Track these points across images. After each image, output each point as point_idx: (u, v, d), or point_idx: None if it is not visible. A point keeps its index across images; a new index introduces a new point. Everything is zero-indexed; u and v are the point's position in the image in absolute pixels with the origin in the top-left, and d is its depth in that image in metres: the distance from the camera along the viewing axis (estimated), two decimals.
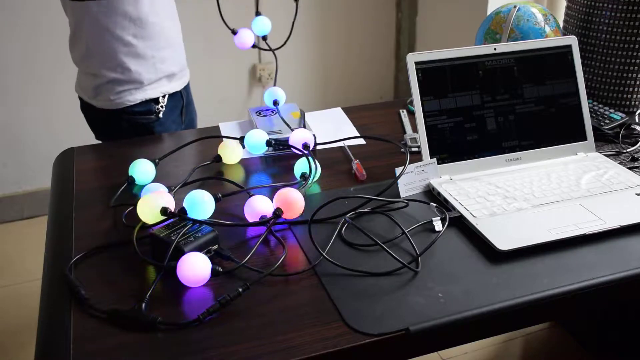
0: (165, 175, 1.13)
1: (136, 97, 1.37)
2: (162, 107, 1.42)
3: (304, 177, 1.07)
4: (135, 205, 0.94)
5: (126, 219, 0.98)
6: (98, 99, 1.39)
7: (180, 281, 0.82)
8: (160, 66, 1.39)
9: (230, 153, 1.16)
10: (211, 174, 1.13)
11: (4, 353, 1.87)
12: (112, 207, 1.03)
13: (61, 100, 2.47)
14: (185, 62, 1.49)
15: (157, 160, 1.13)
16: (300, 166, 1.09)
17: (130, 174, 1.08)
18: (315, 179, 1.09)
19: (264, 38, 1.26)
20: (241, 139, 1.20)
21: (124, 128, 1.41)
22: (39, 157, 2.52)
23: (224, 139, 1.20)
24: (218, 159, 1.16)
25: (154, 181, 1.09)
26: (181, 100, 1.50)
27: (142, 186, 1.06)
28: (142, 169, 1.09)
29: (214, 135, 1.25)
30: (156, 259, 0.87)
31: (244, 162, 1.18)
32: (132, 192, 1.08)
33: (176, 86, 1.46)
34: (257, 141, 1.18)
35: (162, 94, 1.41)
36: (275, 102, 1.33)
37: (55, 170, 1.20)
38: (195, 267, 0.82)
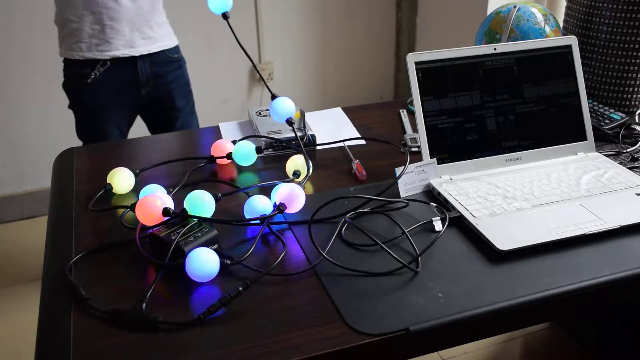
0: (164, 176, 1.13)
1: (76, 53, 1.59)
2: (95, 74, 1.60)
3: (297, 174, 1.08)
4: (130, 208, 0.94)
5: (124, 221, 0.98)
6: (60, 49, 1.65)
7: (189, 277, 0.83)
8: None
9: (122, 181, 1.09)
10: (206, 175, 1.13)
11: (4, 353, 1.87)
12: (92, 210, 1.01)
13: (61, 100, 2.46)
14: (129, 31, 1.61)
15: (137, 171, 1.10)
16: (292, 165, 1.09)
17: (108, 181, 1.06)
18: (308, 174, 1.08)
19: (224, 16, 1.19)
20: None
21: (66, 79, 1.66)
22: (39, 157, 2.52)
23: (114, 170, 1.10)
24: (212, 159, 1.16)
25: (133, 190, 1.07)
26: (135, 73, 1.64)
27: (121, 195, 1.06)
28: (121, 180, 1.06)
29: (199, 157, 1.24)
30: (156, 259, 0.87)
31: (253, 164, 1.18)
32: (109, 199, 1.06)
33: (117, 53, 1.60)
34: (245, 153, 1.14)
35: (99, 58, 1.59)
36: (289, 121, 1.15)
37: (55, 170, 1.20)
38: (204, 262, 0.82)
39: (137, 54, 1.63)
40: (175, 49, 1.75)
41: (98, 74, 1.59)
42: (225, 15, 1.18)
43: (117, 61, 1.62)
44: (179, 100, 1.77)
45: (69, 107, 1.70)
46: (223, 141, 1.16)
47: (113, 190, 1.06)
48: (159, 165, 1.15)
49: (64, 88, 1.68)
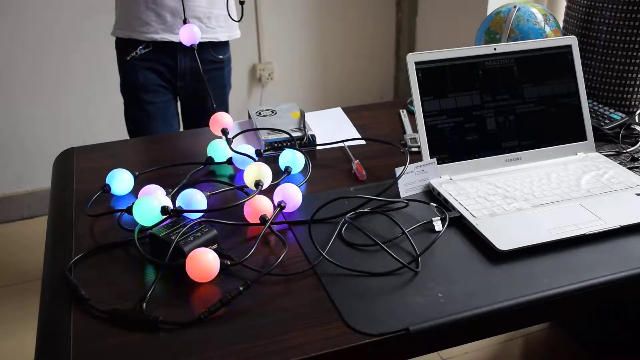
0: (163, 176, 1.13)
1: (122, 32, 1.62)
2: (136, 54, 1.62)
3: (287, 171, 1.09)
4: (126, 210, 0.95)
5: (122, 223, 0.98)
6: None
7: (190, 277, 0.83)
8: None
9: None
10: (206, 175, 1.13)
11: (5, 353, 1.87)
12: (89, 215, 1.00)
13: (61, 100, 2.47)
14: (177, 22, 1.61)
15: (136, 174, 1.09)
16: (285, 159, 1.10)
17: (107, 182, 1.05)
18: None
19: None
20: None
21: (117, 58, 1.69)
22: (39, 157, 2.52)
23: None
24: (210, 160, 1.15)
25: (132, 191, 1.07)
26: (173, 62, 1.65)
27: (120, 196, 1.05)
28: (120, 182, 1.06)
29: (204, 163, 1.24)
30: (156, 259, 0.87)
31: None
32: (108, 201, 1.05)
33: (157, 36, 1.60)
34: (244, 157, 1.13)
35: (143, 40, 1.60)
36: (287, 169, 1.12)
37: (55, 170, 1.20)
38: (204, 262, 0.82)
39: (175, 39, 1.62)
40: (223, 47, 1.73)
41: (138, 54, 1.63)
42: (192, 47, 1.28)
43: (157, 45, 1.63)
44: (210, 102, 1.68)
45: (120, 90, 1.73)
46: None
47: (112, 191, 1.05)
48: (158, 169, 1.15)
49: (119, 70, 1.72)
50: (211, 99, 1.31)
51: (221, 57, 1.73)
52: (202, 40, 1.60)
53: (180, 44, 1.59)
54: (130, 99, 1.70)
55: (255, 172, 1.01)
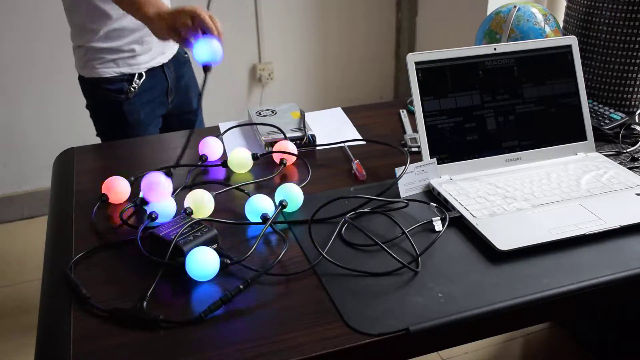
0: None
1: (110, 70, 1.45)
2: (134, 87, 1.46)
3: (283, 163, 1.12)
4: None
5: (124, 218, 0.98)
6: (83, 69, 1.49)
7: (189, 276, 0.83)
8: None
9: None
10: (206, 175, 1.13)
11: (4, 353, 1.87)
12: (92, 222, 0.99)
13: (61, 100, 2.47)
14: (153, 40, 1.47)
15: (132, 179, 1.06)
16: (191, 200, 0.98)
17: (103, 192, 1.02)
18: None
19: (205, 69, 1.10)
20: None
21: (100, 97, 1.49)
22: (39, 157, 2.52)
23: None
24: (205, 158, 1.15)
25: (129, 199, 1.04)
26: (165, 82, 1.54)
27: (116, 205, 1.02)
28: (117, 189, 1.03)
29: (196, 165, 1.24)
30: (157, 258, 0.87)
31: None
32: (106, 211, 1.02)
33: (147, 65, 1.48)
34: (240, 160, 1.13)
35: (135, 72, 1.46)
36: (206, 68, 1.10)
37: (55, 170, 1.20)
38: (204, 261, 0.82)
39: (166, 60, 1.53)
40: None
41: (137, 87, 1.47)
42: (206, 68, 1.10)
43: (151, 71, 1.51)
44: (195, 101, 1.67)
45: (98, 134, 1.55)
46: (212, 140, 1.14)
47: (109, 200, 1.03)
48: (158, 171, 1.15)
49: (94, 112, 1.53)
50: (200, 99, 1.25)
51: (186, 55, 1.63)
52: (175, 53, 1.55)
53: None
54: (123, 137, 1.45)
55: (194, 199, 0.96)
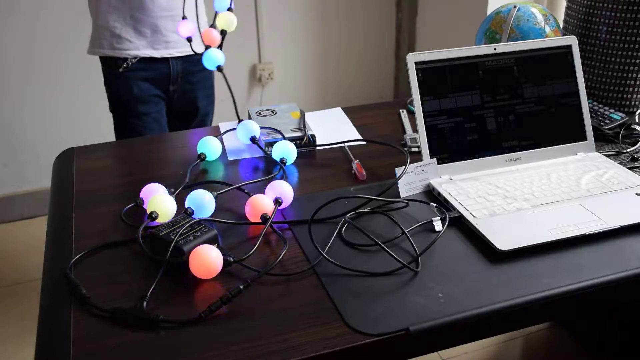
0: (163, 176, 1.13)
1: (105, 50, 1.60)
2: (127, 64, 1.59)
3: (283, 162, 1.12)
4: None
5: (125, 217, 0.98)
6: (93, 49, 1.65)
7: (190, 275, 0.83)
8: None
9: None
10: (201, 174, 1.14)
11: (4, 353, 1.87)
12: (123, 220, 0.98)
13: (61, 100, 2.47)
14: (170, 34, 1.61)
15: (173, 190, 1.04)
16: (278, 151, 1.13)
17: (154, 209, 0.95)
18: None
19: (219, 69, 1.26)
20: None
21: (103, 74, 1.66)
22: (39, 157, 2.52)
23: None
24: (203, 157, 1.16)
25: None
26: (167, 69, 1.64)
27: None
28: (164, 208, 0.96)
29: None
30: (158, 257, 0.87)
31: (243, 162, 1.19)
32: (106, 211, 1.02)
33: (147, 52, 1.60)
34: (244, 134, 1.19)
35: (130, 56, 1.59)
36: (253, 139, 1.19)
37: (55, 170, 1.20)
38: (208, 259, 0.82)
39: (167, 55, 1.63)
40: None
41: (130, 64, 1.60)
42: (219, 68, 1.27)
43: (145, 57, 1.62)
44: (201, 101, 1.75)
45: (110, 109, 1.70)
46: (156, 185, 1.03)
47: (158, 219, 0.95)
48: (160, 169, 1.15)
49: (105, 85, 1.69)
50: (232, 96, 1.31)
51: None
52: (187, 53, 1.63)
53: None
54: (124, 113, 1.67)
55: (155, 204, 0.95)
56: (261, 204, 0.95)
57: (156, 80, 1.65)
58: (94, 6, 1.59)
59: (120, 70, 1.60)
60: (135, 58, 1.59)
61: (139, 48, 1.59)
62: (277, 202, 0.97)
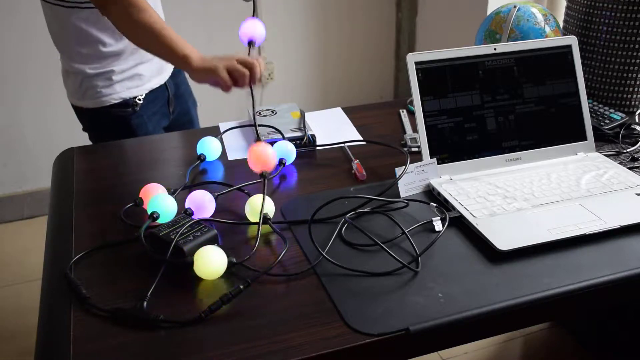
0: (164, 176, 1.13)
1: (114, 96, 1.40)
2: (139, 99, 1.42)
3: (282, 162, 1.12)
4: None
5: (125, 217, 0.98)
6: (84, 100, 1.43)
7: (192, 275, 0.83)
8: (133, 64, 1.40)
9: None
10: (200, 174, 1.14)
11: (4, 353, 1.87)
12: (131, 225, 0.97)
13: (61, 100, 2.46)
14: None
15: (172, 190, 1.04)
16: (278, 151, 1.12)
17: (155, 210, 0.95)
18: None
19: (250, 43, 1.27)
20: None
21: (105, 123, 1.44)
22: (39, 157, 2.52)
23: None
24: (202, 157, 1.16)
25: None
26: (166, 92, 1.51)
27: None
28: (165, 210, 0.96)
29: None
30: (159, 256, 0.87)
31: (243, 162, 1.18)
32: (106, 210, 1.02)
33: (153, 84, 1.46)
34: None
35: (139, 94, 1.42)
36: (201, 157, 1.16)
37: (55, 170, 1.20)
38: (214, 260, 0.83)
39: (168, 76, 1.51)
40: None
41: (141, 99, 1.42)
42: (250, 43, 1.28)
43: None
44: (192, 109, 1.65)
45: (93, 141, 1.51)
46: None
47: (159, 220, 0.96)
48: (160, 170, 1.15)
49: (98, 137, 1.48)
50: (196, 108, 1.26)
51: None
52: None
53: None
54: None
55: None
56: (261, 204, 0.95)
57: (162, 109, 1.51)
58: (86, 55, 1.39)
59: (136, 108, 1.42)
60: (142, 94, 1.43)
61: (151, 80, 1.45)
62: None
